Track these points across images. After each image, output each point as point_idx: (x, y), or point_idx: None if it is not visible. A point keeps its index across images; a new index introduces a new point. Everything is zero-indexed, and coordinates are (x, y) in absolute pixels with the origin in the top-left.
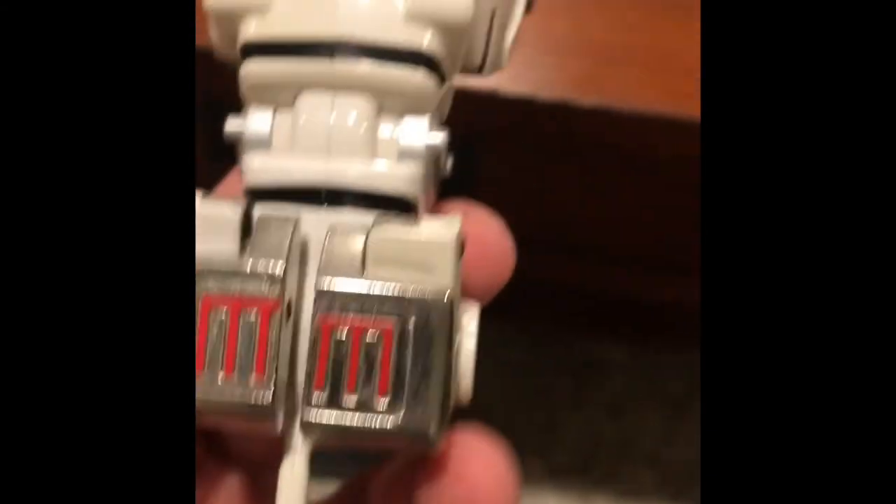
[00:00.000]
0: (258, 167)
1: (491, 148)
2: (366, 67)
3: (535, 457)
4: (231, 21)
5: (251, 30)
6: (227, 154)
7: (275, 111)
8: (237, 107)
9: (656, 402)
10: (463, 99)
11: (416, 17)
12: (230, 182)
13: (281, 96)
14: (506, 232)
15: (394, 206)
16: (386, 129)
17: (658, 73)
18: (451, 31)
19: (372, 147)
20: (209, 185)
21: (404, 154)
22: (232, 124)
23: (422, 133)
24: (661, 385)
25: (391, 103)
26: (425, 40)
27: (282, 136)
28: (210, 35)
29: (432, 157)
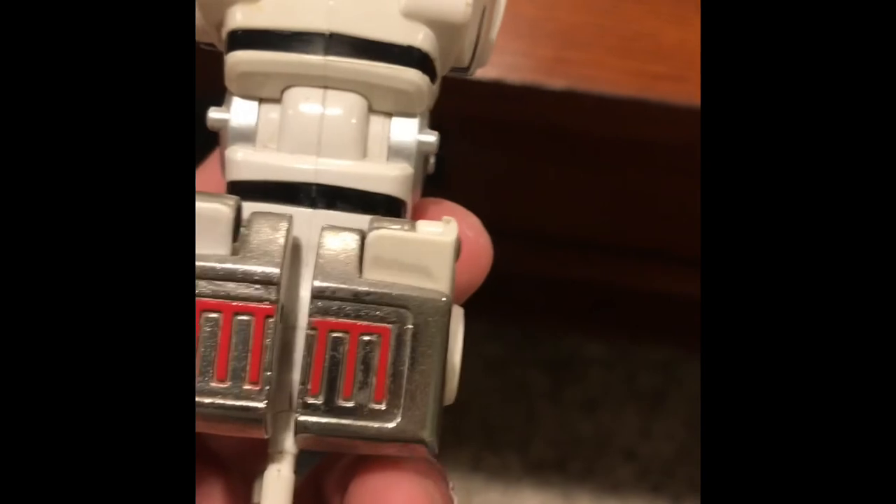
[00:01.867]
0: (242, 160)
1: (459, 134)
2: (359, 63)
3: (513, 452)
4: (217, 6)
5: (239, 17)
6: (208, 146)
7: (260, 103)
8: (212, 94)
9: (633, 397)
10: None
11: (413, 15)
12: (206, 171)
13: (267, 88)
14: (482, 229)
15: (384, 206)
16: (376, 127)
17: (626, 55)
18: (447, 30)
19: (362, 145)
20: None
21: (395, 153)
22: (215, 115)
23: (413, 132)
24: (638, 380)
25: (382, 101)
26: (420, 38)
27: (267, 130)
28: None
29: (423, 157)
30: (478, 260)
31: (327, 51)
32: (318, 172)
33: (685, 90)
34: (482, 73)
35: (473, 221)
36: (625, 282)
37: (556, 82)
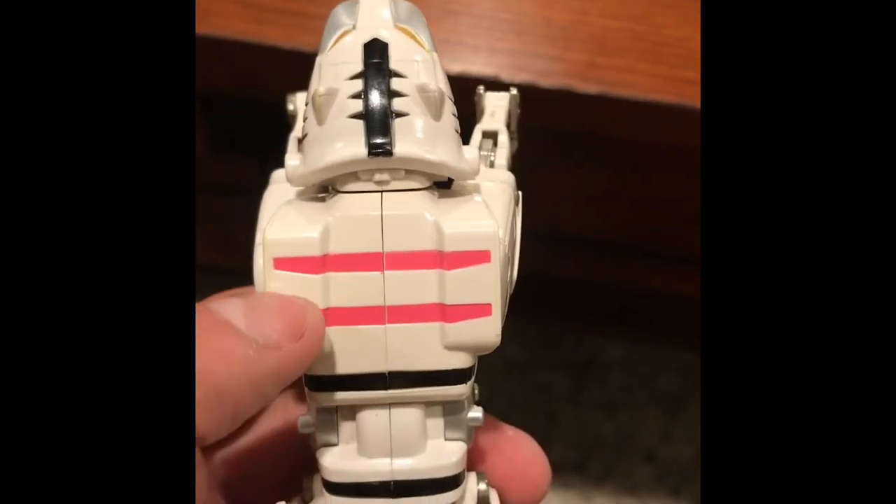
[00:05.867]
0: (331, 468)
1: None
2: (417, 391)
3: None
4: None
5: (316, 367)
6: (227, 146)
7: (336, 414)
8: (236, 98)
9: (654, 399)
10: (464, 87)
11: (454, 347)
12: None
13: (342, 408)
14: (542, 456)
15: (451, 481)
16: (433, 421)
17: (658, 61)
18: (483, 350)
19: (424, 440)
20: (210, 179)
21: (450, 431)
22: (305, 421)
23: (462, 419)
24: (659, 382)
25: (435, 405)
26: (461, 361)
27: (347, 431)
28: None
29: (472, 429)
30: (533, 483)
31: (388, 385)
32: (394, 472)
33: None
34: (515, 76)
35: (533, 447)
36: (647, 285)
37: (589, 87)
